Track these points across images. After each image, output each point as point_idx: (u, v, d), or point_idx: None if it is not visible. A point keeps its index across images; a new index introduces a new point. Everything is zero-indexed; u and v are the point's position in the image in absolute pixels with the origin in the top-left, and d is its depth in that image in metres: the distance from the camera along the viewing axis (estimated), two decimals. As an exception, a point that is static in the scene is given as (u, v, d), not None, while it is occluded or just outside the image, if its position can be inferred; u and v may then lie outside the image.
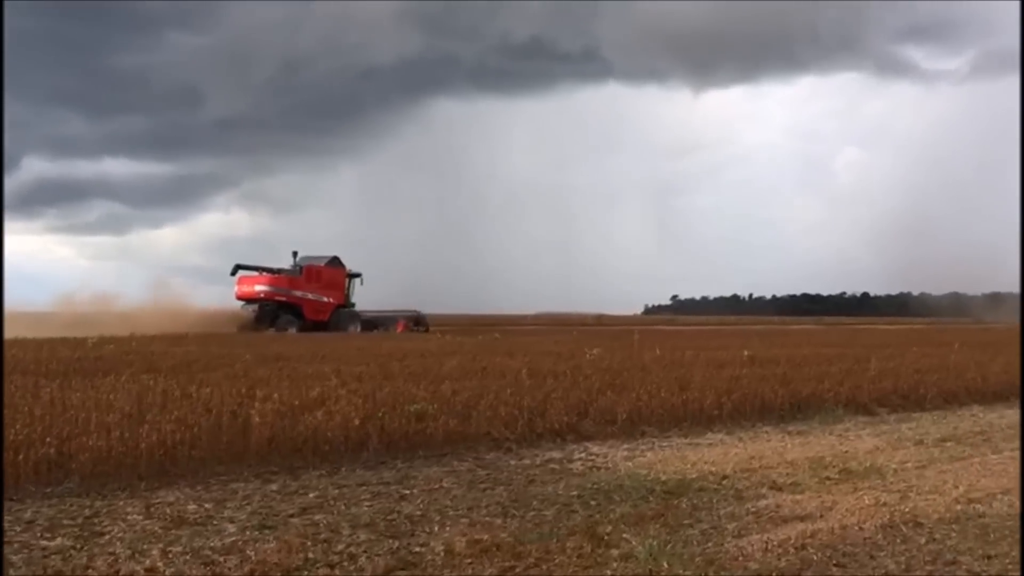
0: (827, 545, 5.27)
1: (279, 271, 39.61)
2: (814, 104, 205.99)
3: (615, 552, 4.93)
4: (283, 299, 38.63)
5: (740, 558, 4.96)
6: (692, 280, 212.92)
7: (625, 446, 8.87)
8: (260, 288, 38.74)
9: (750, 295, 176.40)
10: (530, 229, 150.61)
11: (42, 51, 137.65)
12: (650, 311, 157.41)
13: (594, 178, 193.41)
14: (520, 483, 6.82)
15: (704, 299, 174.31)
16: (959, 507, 6.30)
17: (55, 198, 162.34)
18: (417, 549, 4.91)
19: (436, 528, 5.39)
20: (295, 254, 40.49)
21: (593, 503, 6.20)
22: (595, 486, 6.73)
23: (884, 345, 27.14)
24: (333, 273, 40.72)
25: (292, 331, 36.10)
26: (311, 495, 6.30)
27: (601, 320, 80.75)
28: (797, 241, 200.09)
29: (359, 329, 39.24)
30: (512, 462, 7.79)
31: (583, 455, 8.25)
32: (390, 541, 5.08)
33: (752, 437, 9.71)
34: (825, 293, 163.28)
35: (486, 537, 5.06)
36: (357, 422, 8.08)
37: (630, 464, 7.79)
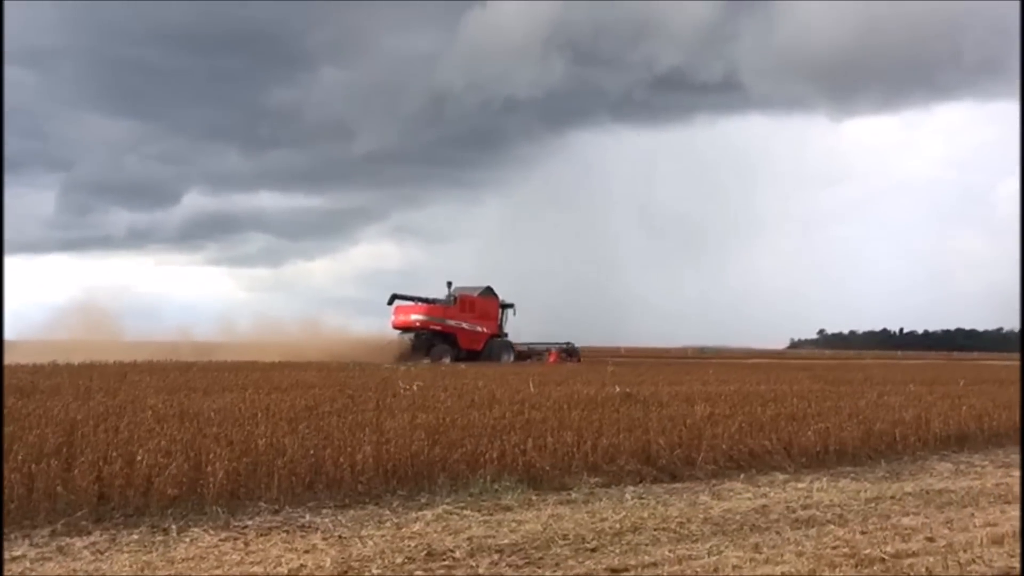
0: None
1: (434, 301, 39.49)
2: (970, 133, 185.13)
3: None
4: (438, 328, 38.51)
5: None
6: (840, 314, 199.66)
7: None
8: (416, 317, 38.77)
9: (900, 329, 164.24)
10: (673, 261, 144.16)
11: (201, 88, 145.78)
12: (795, 345, 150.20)
13: (737, 209, 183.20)
14: None
15: (852, 333, 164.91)
16: None
17: (215, 231, 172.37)
18: None
19: None
20: (449, 284, 40.53)
21: None
22: None
23: (907, 381, 21.65)
24: (487, 303, 40.49)
25: (446, 360, 35.78)
26: None
27: (707, 352, 74.87)
28: (951, 275, 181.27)
29: (512, 359, 39.08)
30: None
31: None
32: None
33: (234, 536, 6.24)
34: (980, 328, 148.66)
35: None
36: None
37: None
